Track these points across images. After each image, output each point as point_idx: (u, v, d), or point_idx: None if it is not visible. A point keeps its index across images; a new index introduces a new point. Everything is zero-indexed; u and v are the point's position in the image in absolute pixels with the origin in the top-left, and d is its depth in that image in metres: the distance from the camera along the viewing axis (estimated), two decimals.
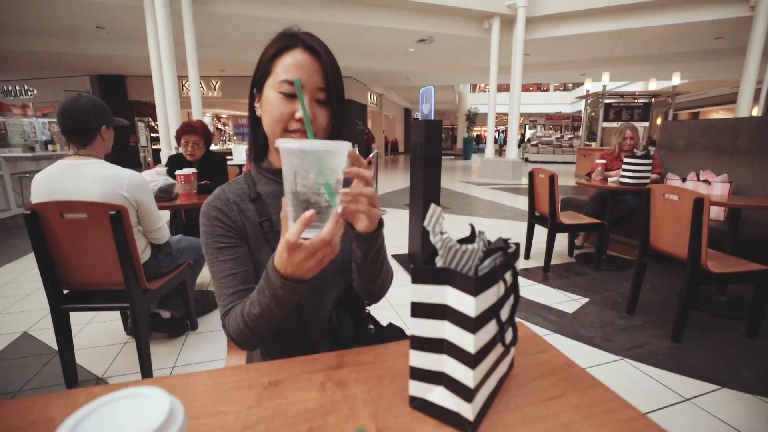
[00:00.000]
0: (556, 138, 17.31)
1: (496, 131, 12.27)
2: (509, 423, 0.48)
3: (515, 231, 4.41)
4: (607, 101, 9.67)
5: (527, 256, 3.39)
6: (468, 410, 0.46)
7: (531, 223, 3.35)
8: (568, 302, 2.50)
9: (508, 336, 0.51)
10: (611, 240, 3.46)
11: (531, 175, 3.19)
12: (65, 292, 1.61)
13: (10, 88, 13.82)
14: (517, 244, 0.56)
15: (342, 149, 0.50)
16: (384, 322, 0.86)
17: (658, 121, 11.77)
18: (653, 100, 9.62)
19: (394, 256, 3.37)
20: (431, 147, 2.84)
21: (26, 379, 1.70)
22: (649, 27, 8.53)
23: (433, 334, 0.48)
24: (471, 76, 14.97)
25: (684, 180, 2.97)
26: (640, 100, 9.69)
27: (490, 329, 0.48)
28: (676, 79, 8.98)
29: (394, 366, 0.60)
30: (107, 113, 1.58)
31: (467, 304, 0.44)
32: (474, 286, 0.43)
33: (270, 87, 0.69)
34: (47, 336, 2.04)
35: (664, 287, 2.72)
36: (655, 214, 2.14)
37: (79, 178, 1.47)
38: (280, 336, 0.79)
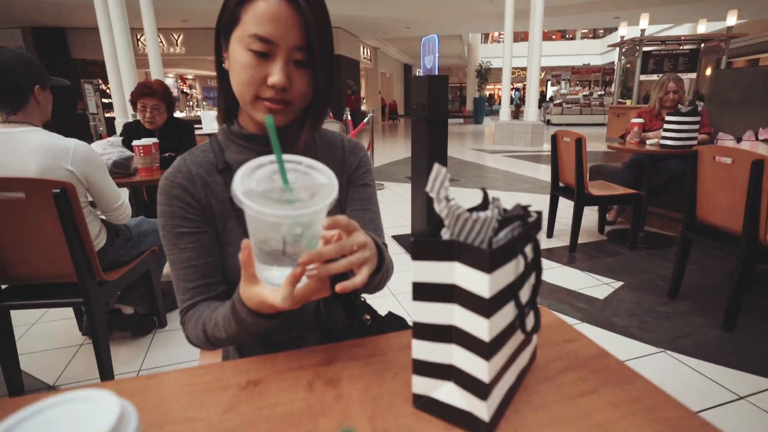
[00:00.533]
0: (584, 95, 17.23)
1: (512, 89, 12.15)
2: (532, 423, 0.47)
3: (536, 205, 4.41)
4: (645, 49, 9.49)
5: (550, 234, 3.40)
6: (482, 409, 0.45)
7: (554, 196, 3.34)
8: (598, 287, 2.51)
9: (529, 321, 0.50)
10: (649, 214, 3.46)
11: (554, 139, 3.17)
12: (4, 287, 1.60)
13: None
14: (539, 213, 0.54)
15: (322, 210, 0.46)
16: (383, 312, 0.85)
17: (708, 71, 11.62)
18: (702, 45, 9.44)
19: (395, 237, 3.38)
20: (436, 108, 2.80)
21: None
22: None
23: (439, 320, 0.47)
24: (482, 23, 14.70)
25: (739, 140, 2.94)
26: (686, 47, 9.52)
27: (507, 313, 0.47)
28: (731, 19, 8.79)
29: (395, 360, 0.59)
30: (40, 70, 1.54)
31: (480, 282, 0.42)
32: (488, 261, 0.41)
33: (238, 40, 0.66)
34: None
35: (712, 267, 2.73)
36: (703, 181, 2.13)
37: (11, 149, 1.44)
38: None
